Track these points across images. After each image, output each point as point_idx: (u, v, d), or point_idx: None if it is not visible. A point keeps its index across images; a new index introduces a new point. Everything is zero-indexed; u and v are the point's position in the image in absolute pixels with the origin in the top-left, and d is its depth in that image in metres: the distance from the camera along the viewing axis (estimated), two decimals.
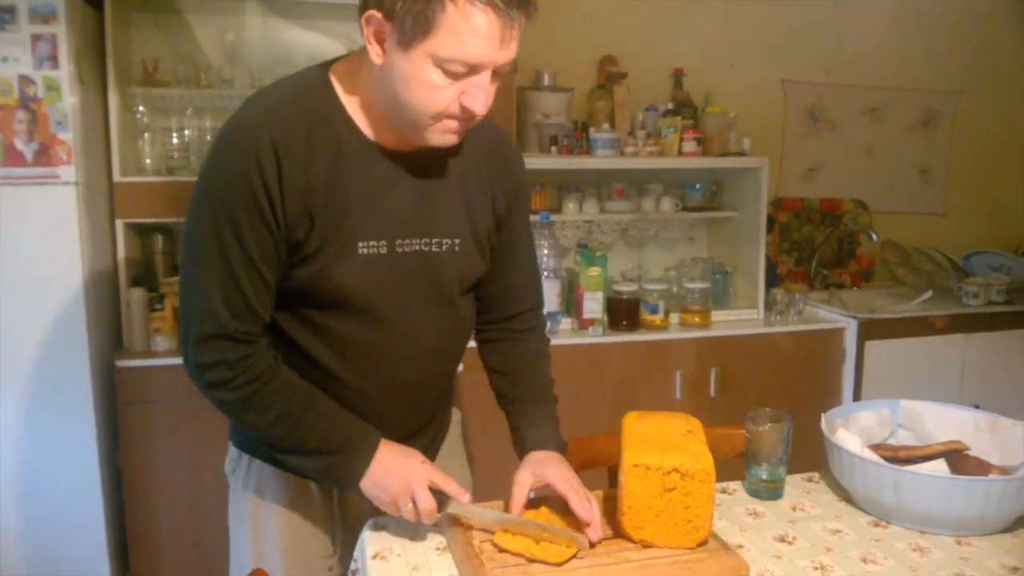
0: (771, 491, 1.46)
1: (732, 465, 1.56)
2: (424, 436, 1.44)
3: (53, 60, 2.12)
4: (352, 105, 1.21)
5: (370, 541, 1.28)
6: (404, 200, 1.23)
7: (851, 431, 1.53)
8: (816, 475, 1.54)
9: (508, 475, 1.31)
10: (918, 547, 1.27)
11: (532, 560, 1.14)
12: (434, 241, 1.26)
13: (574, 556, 1.16)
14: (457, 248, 1.29)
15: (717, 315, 2.95)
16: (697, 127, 2.95)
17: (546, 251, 2.67)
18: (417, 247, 1.25)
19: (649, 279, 3.00)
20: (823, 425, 1.47)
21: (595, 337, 2.69)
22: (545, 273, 2.68)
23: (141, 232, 2.64)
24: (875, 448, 1.48)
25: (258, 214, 1.14)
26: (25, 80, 2.11)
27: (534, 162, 2.76)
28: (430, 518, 1.20)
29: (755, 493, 1.46)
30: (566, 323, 2.75)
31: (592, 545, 1.20)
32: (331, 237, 1.18)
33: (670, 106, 2.99)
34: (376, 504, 1.25)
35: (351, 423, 1.25)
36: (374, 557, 1.23)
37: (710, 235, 3.29)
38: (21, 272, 2.20)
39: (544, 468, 1.30)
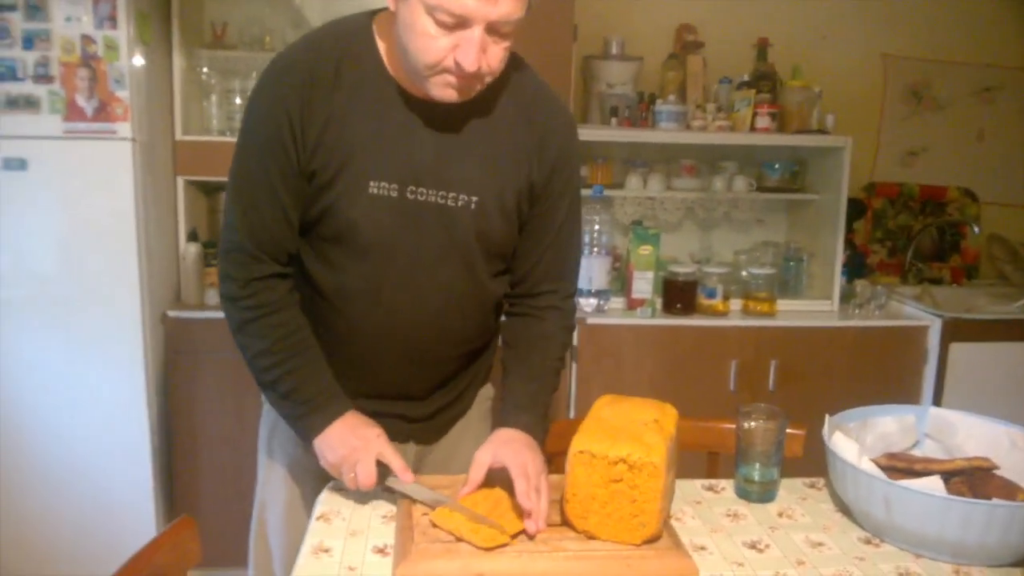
0: (761, 493, 1.34)
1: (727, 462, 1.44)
2: (435, 401, 1.43)
3: (112, 20, 2.20)
4: (385, 51, 1.24)
5: (321, 502, 1.27)
6: (421, 149, 1.24)
7: (867, 437, 1.39)
8: (821, 481, 1.40)
9: None
10: (906, 571, 1.12)
11: (459, 540, 1.09)
12: (450, 195, 1.25)
13: (505, 544, 1.09)
14: (474, 206, 1.27)
15: (786, 304, 2.76)
16: (775, 102, 2.75)
17: (598, 227, 2.57)
18: (432, 198, 1.25)
19: (717, 262, 2.85)
20: (825, 427, 1.33)
21: (643, 319, 2.58)
22: (596, 249, 2.59)
23: (208, 190, 2.74)
24: (891, 458, 1.33)
25: (279, 139, 1.20)
26: (87, 39, 2.21)
27: (592, 133, 2.66)
28: (366, 487, 1.20)
29: (744, 494, 1.35)
30: (616, 302, 2.65)
31: (531, 537, 1.13)
32: (343, 171, 1.22)
33: (746, 78, 2.80)
34: (323, 465, 1.26)
35: (327, 384, 1.30)
36: (318, 518, 1.22)
37: (790, 219, 3.08)
38: (81, 222, 2.32)
39: (505, 448, 1.24)
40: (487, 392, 1.54)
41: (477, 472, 1.22)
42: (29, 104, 2.23)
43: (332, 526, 1.20)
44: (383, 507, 1.26)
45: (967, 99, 3.17)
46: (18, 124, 2.24)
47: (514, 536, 1.11)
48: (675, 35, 2.94)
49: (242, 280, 1.26)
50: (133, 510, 2.45)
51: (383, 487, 1.22)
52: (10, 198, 2.28)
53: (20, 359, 2.37)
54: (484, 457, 1.23)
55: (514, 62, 1.30)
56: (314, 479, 1.36)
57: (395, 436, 1.41)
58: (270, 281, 1.27)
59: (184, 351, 2.47)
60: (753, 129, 2.71)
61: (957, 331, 2.63)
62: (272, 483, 1.45)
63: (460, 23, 1.09)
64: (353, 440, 1.23)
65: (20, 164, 2.26)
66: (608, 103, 2.69)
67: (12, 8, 2.19)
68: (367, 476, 1.19)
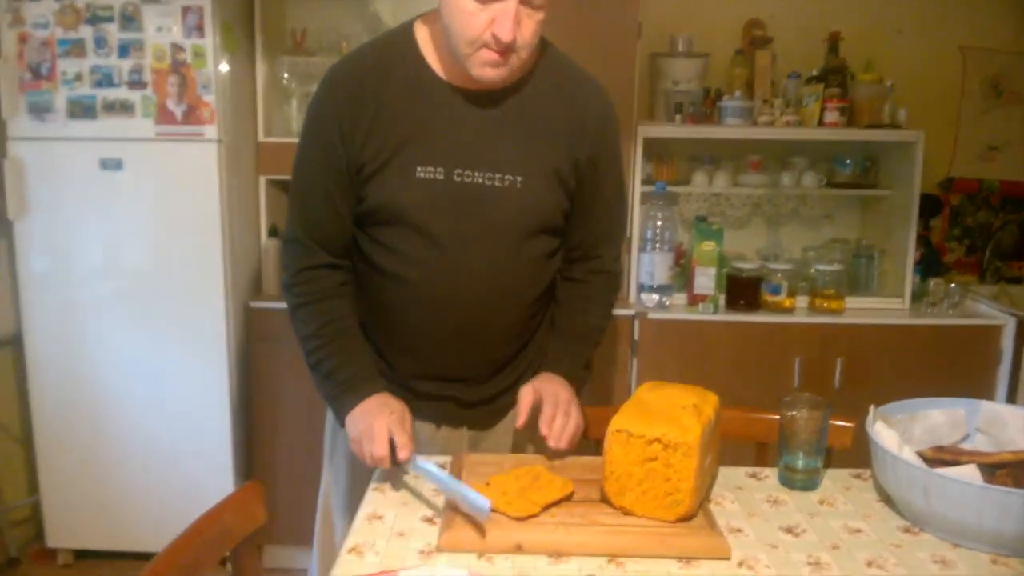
0: (805, 482, 1.35)
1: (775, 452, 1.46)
2: (491, 386, 1.49)
3: (200, 30, 2.36)
4: (428, 47, 1.35)
5: (367, 502, 1.28)
6: (466, 133, 1.34)
7: (916, 430, 1.39)
8: (867, 472, 1.41)
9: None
10: (943, 560, 1.13)
11: (494, 511, 1.15)
12: (496, 176, 1.34)
13: (536, 515, 1.15)
14: (519, 185, 1.35)
15: (855, 301, 2.72)
16: (845, 96, 2.71)
17: (660, 223, 2.60)
18: (478, 179, 1.34)
19: (786, 259, 2.83)
20: (869, 416, 1.33)
21: (705, 314, 2.59)
22: (658, 245, 2.61)
23: (287, 188, 2.88)
24: (938, 450, 1.33)
25: (331, 146, 1.33)
26: (176, 48, 2.37)
27: (656, 130, 2.69)
28: (376, 462, 1.27)
29: (787, 482, 1.36)
30: (678, 298, 2.66)
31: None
32: (392, 160, 1.32)
33: (815, 73, 2.77)
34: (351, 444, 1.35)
35: (362, 368, 1.39)
36: (374, 490, 1.29)
37: (862, 215, 3.03)
38: (170, 218, 2.49)
39: (543, 384, 1.40)
40: None
41: (524, 402, 1.34)
42: (124, 108, 2.41)
43: (386, 496, 1.28)
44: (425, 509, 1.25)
45: None
46: (114, 127, 2.43)
47: (546, 508, 1.17)
48: (743, 30, 2.93)
49: (295, 268, 1.39)
50: (214, 488, 2.59)
51: (397, 467, 1.28)
52: (107, 196, 2.47)
53: (113, 347, 2.56)
54: (527, 390, 1.37)
55: (544, 46, 1.39)
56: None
57: (449, 420, 1.49)
58: (320, 271, 1.39)
59: (264, 339, 2.62)
60: (822, 124, 2.69)
61: None
62: (337, 469, 1.54)
63: None
64: (369, 418, 1.30)
65: (116, 164, 2.45)
66: (673, 100, 2.71)
67: (109, 20, 2.38)
68: (377, 451, 1.26)
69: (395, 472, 1.31)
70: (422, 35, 1.36)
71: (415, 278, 1.37)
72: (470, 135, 1.34)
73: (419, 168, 1.32)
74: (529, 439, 1.48)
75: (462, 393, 1.48)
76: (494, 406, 1.52)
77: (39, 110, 2.43)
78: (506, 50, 1.23)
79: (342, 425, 1.37)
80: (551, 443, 1.34)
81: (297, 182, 1.40)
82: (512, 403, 1.52)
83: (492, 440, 1.54)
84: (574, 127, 1.38)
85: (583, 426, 1.41)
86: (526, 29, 1.24)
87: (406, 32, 1.37)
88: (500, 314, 1.43)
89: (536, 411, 1.36)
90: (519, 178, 1.34)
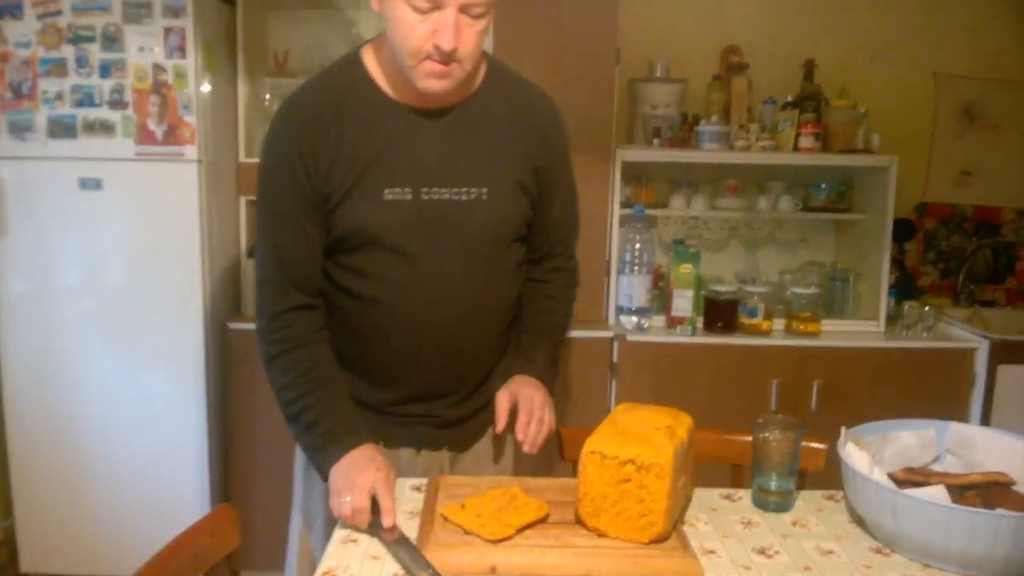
0: (778, 503, 1.37)
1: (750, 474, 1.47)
2: (467, 403, 1.49)
3: (182, 51, 2.38)
4: (378, 71, 1.36)
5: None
6: (428, 151, 1.35)
7: (887, 451, 1.41)
8: (840, 494, 1.42)
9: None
10: None
11: (468, 533, 1.16)
12: (463, 191, 1.36)
13: (510, 537, 1.16)
14: (486, 197, 1.37)
15: (831, 324, 2.75)
16: (819, 122, 2.76)
17: (638, 245, 2.62)
18: (445, 195, 1.35)
19: (763, 281, 2.86)
20: (841, 438, 1.35)
21: (683, 336, 2.61)
22: (637, 267, 2.63)
23: None
24: (909, 472, 1.34)
25: (296, 179, 1.32)
26: (158, 68, 2.38)
27: (635, 154, 2.72)
28: (356, 517, 1.21)
29: (761, 504, 1.38)
30: (656, 320, 2.68)
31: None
32: (358, 184, 1.32)
33: (790, 99, 2.82)
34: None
35: (347, 417, 1.35)
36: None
37: (838, 239, 3.07)
38: (149, 238, 2.49)
39: (518, 387, 1.44)
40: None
41: (502, 408, 1.41)
42: (105, 128, 2.42)
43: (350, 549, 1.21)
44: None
45: (1022, 118, 3.11)
46: (94, 147, 2.43)
47: (521, 530, 1.17)
48: (720, 57, 2.98)
49: (270, 312, 1.36)
50: (190, 512, 2.57)
51: (373, 531, 1.21)
52: (86, 216, 2.47)
53: (90, 368, 2.54)
54: (504, 396, 1.42)
55: (491, 63, 1.43)
56: None
57: (430, 443, 1.49)
58: (296, 314, 1.36)
59: (242, 361, 2.60)
60: (797, 149, 2.73)
61: (1005, 353, 2.58)
62: (314, 499, 1.50)
63: (435, 5, 1.21)
64: (353, 472, 1.26)
65: (96, 184, 2.44)
66: (651, 124, 2.75)
67: (91, 40, 2.38)
68: (358, 504, 1.20)
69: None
70: (370, 61, 1.37)
71: (392, 299, 1.38)
72: (433, 153, 1.35)
73: (387, 190, 1.33)
74: (505, 446, 1.55)
75: (443, 412, 1.48)
76: (473, 424, 1.53)
77: (19, 129, 2.43)
78: (449, 60, 1.24)
79: (324, 479, 1.31)
80: (525, 448, 1.40)
81: (266, 222, 1.37)
82: (490, 420, 1.54)
83: (472, 458, 1.55)
84: (529, 135, 1.42)
85: (554, 427, 1.47)
86: (468, 38, 1.25)
87: (354, 60, 1.38)
88: (478, 326, 1.45)
89: (512, 415, 1.41)
90: (484, 190, 1.37)
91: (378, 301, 1.38)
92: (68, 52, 2.40)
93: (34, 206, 2.47)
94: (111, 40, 2.38)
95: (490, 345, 1.50)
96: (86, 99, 2.40)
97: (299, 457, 1.53)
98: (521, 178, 1.41)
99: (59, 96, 2.42)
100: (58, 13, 2.38)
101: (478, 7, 1.22)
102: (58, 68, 2.41)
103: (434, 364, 1.44)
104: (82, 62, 2.39)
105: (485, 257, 1.41)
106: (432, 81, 1.27)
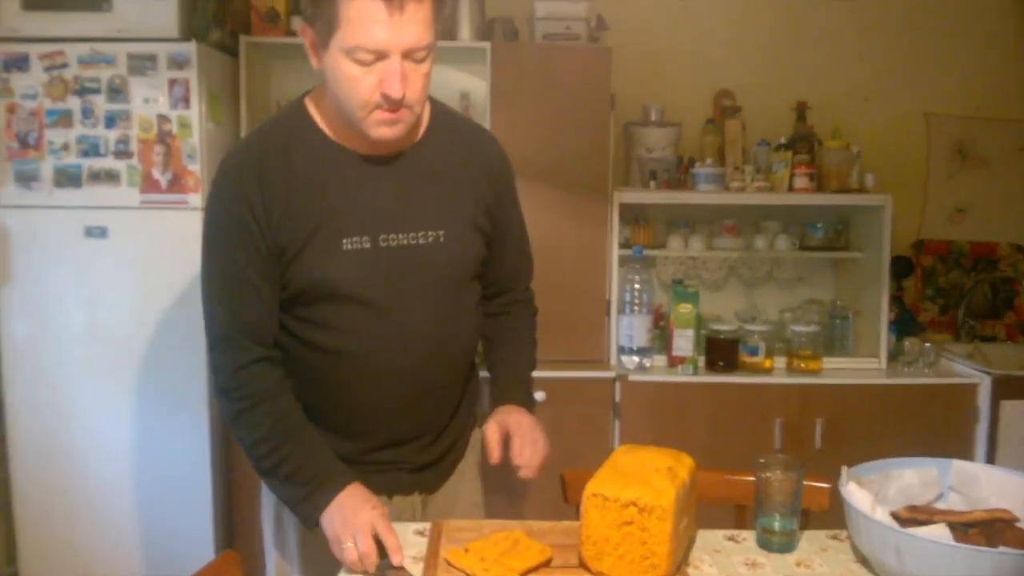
0: (782, 543, 1.36)
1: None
2: (436, 447, 1.49)
3: (186, 101, 2.42)
4: (323, 119, 1.35)
5: None
6: (382, 198, 1.34)
7: (889, 490, 1.40)
8: (844, 533, 1.42)
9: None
10: None
11: None
12: (419, 234, 1.36)
13: None
14: (443, 239, 1.38)
15: (832, 362, 2.76)
16: (813, 162, 2.80)
17: (638, 286, 2.64)
18: (403, 241, 1.35)
19: (763, 320, 2.87)
20: (842, 477, 1.35)
21: (684, 376, 2.61)
22: (637, 308, 2.65)
23: None
24: (912, 510, 1.34)
25: (246, 233, 1.28)
26: (163, 118, 2.43)
27: (632, 196, 2.75)
28: (365, 561, 1.20)
29: (765, 544, 1.37)
30: (658, 360, 2.69)
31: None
32: (314, 237, 1.30)
33: (783, 140, 2.86)
34: (329, 542, 1.27)
35: (325, 462, 1.33)
36: None
37: (837, 277, 3.10)
38: (154, 285, 2.51)
39: (506, 417, 1.47)
40: (479, 434, 1.59)
41: (493, 439, 1.44)
42: (110, 177, 2.45)
43: None
44: None
45: (1013, 155, 3.16)
46: (100, 195, 2.47)
47: (524, 574, 1.17)
48: (713, 100, 3.04)
49: (231, 369, 1.31)
50: (194, 557, 2.52)
51: (381, 574, 1.21)
52: (91, 264, 2.49)
53: (94, 414, 2.54)
54: (492, 426, 1.46)
55: (434, 105, 1.44)
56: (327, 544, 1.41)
57: (401, 488, 1.48)
58: (257, 367, 1.32)
59: None
60: (792, 189, 2.77)
61: (1007, 388, 2.59)
62: (288, 551, 1.48)
63: (378, 56, 1.20)
64: (349, 513, 1.25)
65: (101, 232, 2.47)
66: (647, 167, 2.79)
67: (96, 92, 2.43)
68: (363, 543, 1.20)
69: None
70: (314, 110, 1.36)
71: (356, 349, 1.35)
72: (387, 199, 1.34)
73: (345, 240, 1.31)
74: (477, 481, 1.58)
75: (413, 456, 1.47)
76: (441, 466, 1.52)
77: (26, 179, 2.47)
78: (398, 107, 1.24)
79: (312, 527, 1.29)
80: (524, 473, 1.41)
81: (214, 281, 1.33)
82: (459, 457, 1.55)
83: (441, 500, 1.53)
84: (478, 174, 1.43)
85: (548, 451, 1.48)
86: (414, 83, 1.24)
87: (298, 110, 1.37)
88: (443, 367, 1.45)
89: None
90: (441, 232, 1.37)
91: (341, 352, 1.36)
92: (74, 103, 2.44)
93: (40, 254, 2.49)
94: (116, 92, 2.43)
95: (455, 383, 1.51)
96: (91, 149, 2.45)
97: (269, 512, 1.49)
98: (475, 217, 1.42)
99: (65, 146, 2.46)
100: (64, 66, 2.43)
101: (421, 51, 1.23)
102: (64, 119, 2.45)
103: (402, 410, 1.42)
104: (88, 113, 2.44)
105: (446, 298, 1.41)
106: (383, 129, 1.27)
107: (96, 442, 2.55)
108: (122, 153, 2.44)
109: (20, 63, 2.44)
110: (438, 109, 1.45)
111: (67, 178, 2.47)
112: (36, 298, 2.51)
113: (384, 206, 1.34)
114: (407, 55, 1.22)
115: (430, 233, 1.36)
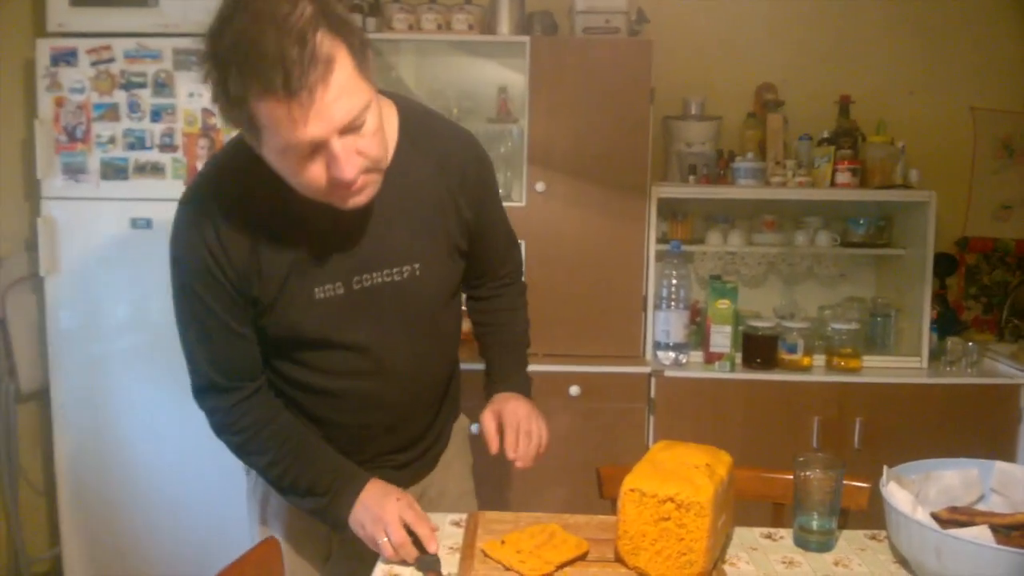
0: (820, 543, 1.35)
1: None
2: (419, 445, 1.49)
3: None
4: None
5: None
6: (353, 240, 1.27)
7: (930, 490, 1.39)
8: (883, 533, 1.41)
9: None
10: None
11: (508, 569, 1.17)
12: (394, 271, 1.31)
13: (551, 573, 1.16)
14: (419, 272, 1.32)
15: (872, 360, 2.72)
16: (856, 157, 2.76)
17: (675, 281, 2.63)
18: (378, 280, 1.30)
19: (802, 317, 2.84)
20: (883, 477, 1.34)
21: (721, 372, 2.59)
22: (674, 303, 2.64)
23: None
24: (953, 511, 1.33)
25: (215, 282, 1.23)
26: (207, 112, 2.47)
27: (670, 190, 2.73)
28: (401, 552, 1.23)
29: (802, 543, 1.37)
30: (694, 356, 2.68)
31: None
32: (284, 288, 1.25)
33: (826, 135, 2.82)
34: (364, 541, 1.29)
35: (339, 467, 1.34)
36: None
37: (878, 274, 3.04)
38: None
39: (501, 405, 1.47)
40: (462, 423, 1.63)
41: (490, 429, 1.43)
42: (155, 170, 2.51)
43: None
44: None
45: None
46: (145, 188, 2.52)
47: (561, 567, 1.18)
48: (755, 94, 3.00)
49: (224, 408, 1.31)
50: (236, 544, 2.59)
51: (421, 566, 1.23)
52: (137, 254, 2.55)
53: (138, 403, 2.60)
54: (488, 416, 1.45)
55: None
56: (312, 541, 1.45)
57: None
58: (251, 400, 1.31)
59: None
60: (834, 185, 2.73)
61: None
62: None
63: (314, 147, 1.08)
64: (376, 510, 1.27)
65: (146, 224, 2.53)
66: (687, 161, 2.77)
67: (142, 86, 2.49)
68: (398, 539, 1.23)
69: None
70: None
71: (337, 387, 1.35)
72: (358, 240, 1.27)
73: (317, 289, 1.26)
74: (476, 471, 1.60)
75: (397, 457, 1.47)
76: (425, 460, 1.52)
77: (73, 171, 2.53)
78: (351, 183, 1.12)
79: (343, 531, 1.31)
80: (518, 465, 1.41)
81: (189, 327, 1.29)
82: (441, 450, 1.55)
83: (431, 491, 1.53)
84: (454, 187, 1.34)
85: (547, 437, 1.46)
86: (368, 149, 1.12)
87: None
88: (428, 387, 1.46)
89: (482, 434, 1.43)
90: (416, 265, 1.32)
91: (322, 390, 1.35)
92: (120, 97, 2.50)
93: (86, 244, 2.56)
94: (162, 86, 2.48)
95: (438, 396, 1.50)
96: (137, 142, 2.50)
97: (254, 511, 1.51)
98: (451, 238, 1.36)
99: (112, 139, 2.52)
100: (111, 60, 2.49)
101: (358, 119, 1.09)
102: (111, 113, 2.51)
103: (387, 434, 1.43)
104: (134, 107, 2.49)
105: (428, 324, 1.39)
106: (352, 199, 1.16)
107: (139, 429, 2.61)
108: (167, 146, 2.50)
109: (68, 57, 2.50)
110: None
111: (113, 170, 2.53)
112: (82, 288, 2.57)
113: (355, 249, 1.27)
114: (344, 132, 1.08)
115: (405, 268, 1.31)
